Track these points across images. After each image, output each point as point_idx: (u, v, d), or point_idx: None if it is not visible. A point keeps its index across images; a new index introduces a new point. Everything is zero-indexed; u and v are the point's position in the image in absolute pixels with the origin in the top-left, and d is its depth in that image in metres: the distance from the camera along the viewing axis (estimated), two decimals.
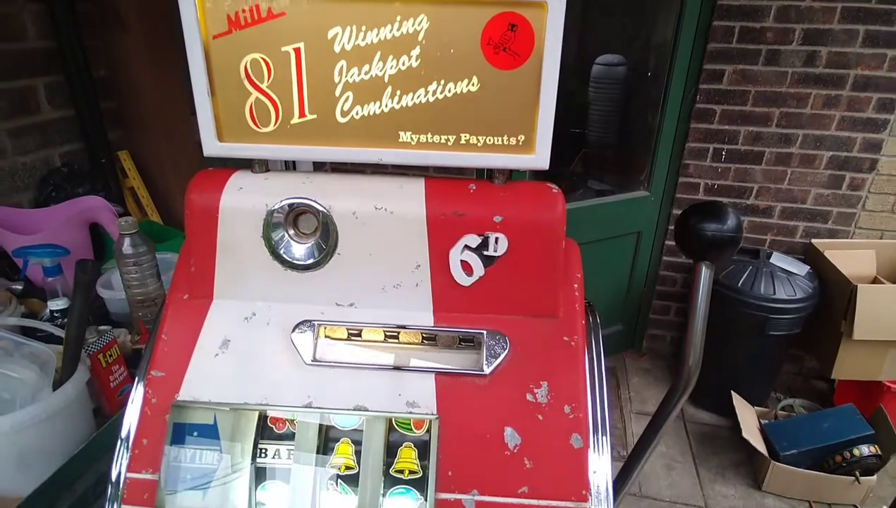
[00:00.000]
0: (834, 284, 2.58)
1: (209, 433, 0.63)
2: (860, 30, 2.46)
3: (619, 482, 0.80)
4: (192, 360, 0.65)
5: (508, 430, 0.61)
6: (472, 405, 0.63)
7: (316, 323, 0.67)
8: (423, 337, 0.68)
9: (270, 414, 0.65)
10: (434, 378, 0.64)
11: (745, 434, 2.47)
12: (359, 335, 0.69)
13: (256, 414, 0.66)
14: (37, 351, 1.26)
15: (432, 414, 0.62)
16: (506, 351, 0.65)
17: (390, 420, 0.66)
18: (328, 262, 0.67)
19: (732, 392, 2.74)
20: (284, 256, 0.67)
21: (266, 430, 0.68)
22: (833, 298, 2.58)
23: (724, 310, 2.69)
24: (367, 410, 0.63)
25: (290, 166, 1.63)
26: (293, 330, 0.67)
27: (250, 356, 0.66)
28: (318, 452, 0.67)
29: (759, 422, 2.68)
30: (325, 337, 0.69)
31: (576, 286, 0.69)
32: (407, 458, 0.66)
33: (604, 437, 0.65)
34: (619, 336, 3.45)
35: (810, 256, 2.81)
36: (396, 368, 0.66)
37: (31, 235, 1.60)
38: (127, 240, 1.43)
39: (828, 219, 2.84)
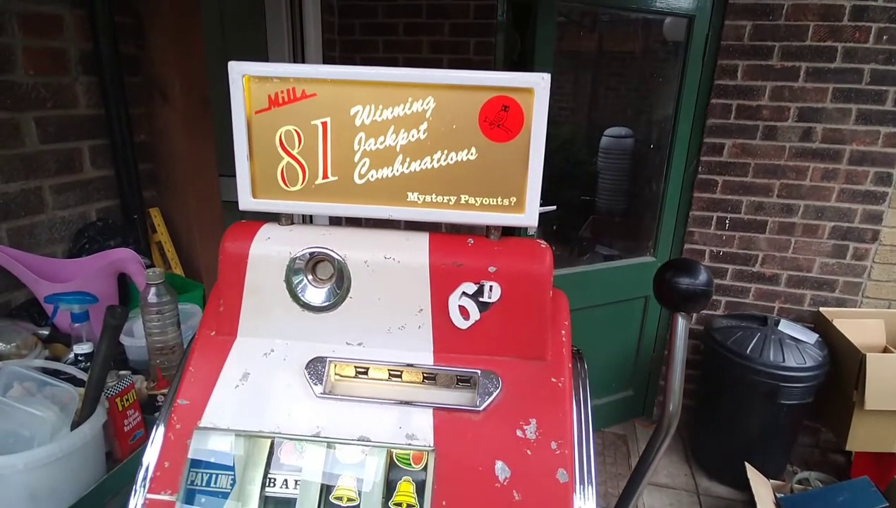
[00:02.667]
0: (843, 353, 2.58)
1: (225, 459, 0.69)
2: (853, 108, 2.60)
3: None
4: (214, 390, 0.72)
5: (499, 464, 0.66)
6: (467, 439, 0.68)
7: (327, 359, 0.75)
8: (424, 377, 0.74)
9: (282, 441, 0.71)
10: (432, 412, 0.70)
11: None
12: (366, 373, 0.76)
13: (268, 443, 0.72)
14: (59, 392, 1.31)
15: (429, 447, 0.68)
16: (498, 390, 0.71)
17: (391, 455, 0.71)
18: (341, 305, 0.75)
19: (747, 464, 2.68)
20: (303, 299, 0.76)
21: (276, 460, 0.73)
22: (843, 367, 2.57)
23: (734, 377, 2.69)
24: (369, 441, 0.69)
25: (311, 220, 1.73)
26: (306, 366, 0.75)
27: (267, 388, 0.73)
28: (322, 484, 0.72)
29: (775, 496, 2.61)
30: (336, 374, 0.76)
31: (563, 332, 0.75)
32: (405, 492, 0.71)
33: (589, 484, 0.69)
34: (630, 402, 3.41)
35: (819, 325, 2.83)
36: (398, 403, 0.72)
37: (63, 283, 1.71)
38: (152, 290, 1.52)
39: (835, 288, 2.87)
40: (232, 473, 0.69)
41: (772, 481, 2.72)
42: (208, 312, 0.80)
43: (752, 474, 2.68)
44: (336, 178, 0.74)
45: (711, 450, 2.99)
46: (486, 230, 0.77)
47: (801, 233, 2.83)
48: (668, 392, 0.76)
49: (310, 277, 0.76)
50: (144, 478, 0.72)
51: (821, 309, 2.88)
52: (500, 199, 0.73)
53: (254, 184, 0.75)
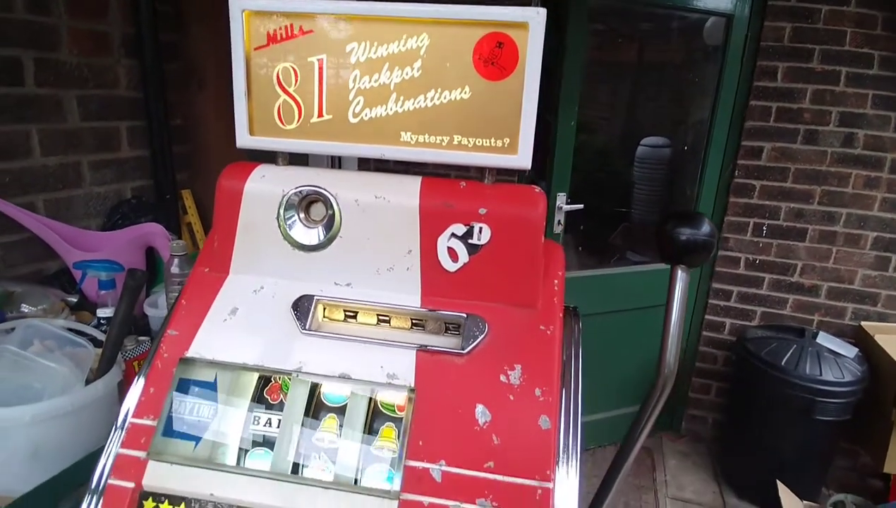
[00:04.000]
0: (884, 369, 2.43)
1: (209, 389, 0.70)
2: (892, 116, 2.49)
3: (603, 491, 0.78)
4: (203, 324, 0.73)
5: (480, 407, 0.64)
6: (448, 381, 0.66)
7: (315, 298, 0.75)
8: (413, 323, 0.73)
9: (265, 375, 0.70)
10: (415, 354, 0.69)
11: None
12: (354, 317, 0.75)
13: (255, 380, 0.72)
14: (77, 350, 1.32)
15: (409, 387, 0.67)
16: (484, 334, 0.69)
17: (375, 400, 0.70)
18: (331, 245, 0.75)
19: (778, 482, 2.54)
20: (294, 237, 0.76)
21: (262, 399, 0.73)
22: (883, 384, 2.42)
23: (766, 390, 2.56)
24: (350, 378, 0.68)
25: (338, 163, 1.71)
26: (293, 304, 0.75)
27: (254, 324, 0.73)
28: (304, 425, 0.71)
29: None
30: (325, 316, 0.75)
31: (556, 282, 0.73)
32: (387, 437, 0.70)
33: (574, 437, 0.66)
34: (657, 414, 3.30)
35: (860, 340, 2.68)
36: (382, 343, 0.71)
37: (93, 253, 1.78)
38: (175, 261, 1.56)
39: (877, 302, 2.73)
40: (215, 404, 0.69)
41: (805, 502, 2.57)
42: (204, 250, 0.81)
43: (784, 493, 2.54)
44: (330, 117, 0.74)
45: (741, 468, 2.85)
46: (483, 175, 0.76)
47: (842, 243, 2.69)
48: (663, 350, 0.73)
49: (302, 216, 0.76)
50: (123, 423, 0.71)
51: (862, 323, 2.73)
52: (493, 140, 0.72)
53: (251, 121, 0.76)
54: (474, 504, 0.60)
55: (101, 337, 1.45)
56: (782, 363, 2.53)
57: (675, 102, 4.14)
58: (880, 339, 2.52)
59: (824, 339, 2.60)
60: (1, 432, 1.08)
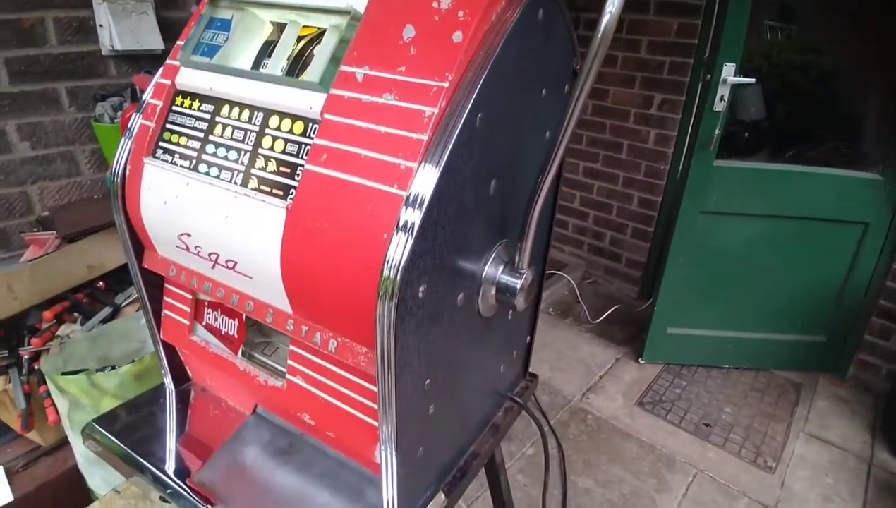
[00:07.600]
0: None
1: (226, 25, 0.87)
2: None
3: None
4: None
5: (408, 26, 0.69)
6: (390, 7, 0.73)
7: None
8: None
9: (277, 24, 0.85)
10: None
11: None
12: None
13: (266, 29, 0.87)
14: None
15: (359, 12, 0.75)
16: None
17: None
18: None
19: None
20: None
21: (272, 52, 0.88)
22: None
23: None
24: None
25: None
26: None
27: None
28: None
29: None
30: None
31: None
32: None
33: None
34: (819, 350, 2.81)
35: None
36: None
37: None
38: None
39: None
40: (227, 34, 0.86)
41: None
42: None
43: None
44: None
45: None
46: None
47: None
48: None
49: None
50: None
51: None
52: None
53: None
54: (381, 97, 0.68)
55: None
56: None
57: None
58: None
59: None
60: None
